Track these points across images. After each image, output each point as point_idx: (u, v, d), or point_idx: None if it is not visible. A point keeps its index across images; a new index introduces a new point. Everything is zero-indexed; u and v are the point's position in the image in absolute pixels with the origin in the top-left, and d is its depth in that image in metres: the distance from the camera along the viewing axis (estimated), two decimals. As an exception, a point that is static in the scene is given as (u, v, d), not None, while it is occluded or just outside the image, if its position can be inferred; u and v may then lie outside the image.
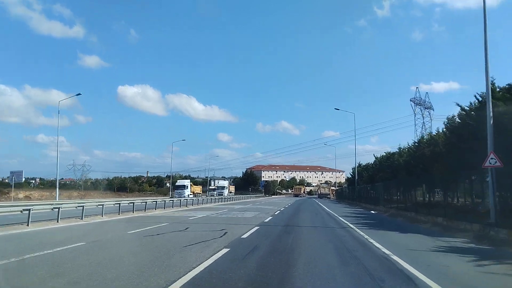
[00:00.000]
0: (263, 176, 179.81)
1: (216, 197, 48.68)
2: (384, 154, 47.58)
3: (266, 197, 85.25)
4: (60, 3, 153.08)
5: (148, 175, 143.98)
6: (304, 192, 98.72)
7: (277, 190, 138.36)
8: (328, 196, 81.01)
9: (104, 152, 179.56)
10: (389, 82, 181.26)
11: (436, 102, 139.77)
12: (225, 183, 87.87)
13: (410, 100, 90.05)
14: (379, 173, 45.20)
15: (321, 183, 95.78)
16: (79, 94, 41.57)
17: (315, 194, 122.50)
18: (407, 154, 36.65)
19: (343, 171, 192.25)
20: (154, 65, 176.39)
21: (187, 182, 69.72)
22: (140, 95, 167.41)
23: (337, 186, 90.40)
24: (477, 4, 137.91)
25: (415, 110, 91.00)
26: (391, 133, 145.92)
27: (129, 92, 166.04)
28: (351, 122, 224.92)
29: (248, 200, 57.94)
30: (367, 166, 61.64)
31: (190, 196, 60.48)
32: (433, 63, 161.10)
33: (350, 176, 73.63)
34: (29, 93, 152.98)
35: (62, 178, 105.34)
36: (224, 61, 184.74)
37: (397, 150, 43.80)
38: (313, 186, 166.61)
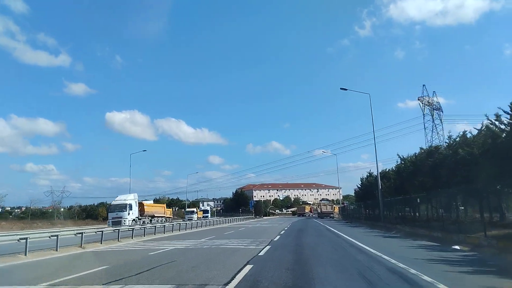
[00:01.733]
0: (254, 196, 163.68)
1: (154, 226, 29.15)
2: (422, 149, 31.28)
3: (255, 220, 67.58)
4: (44, 32, 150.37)
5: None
6: (311, 211, 79.58)
7: (270, 211, 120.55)
8: (331, 215, 63.87)
9: (95, 178, 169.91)
10: (375, 99, 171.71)
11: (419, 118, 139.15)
12: (128, 198, 42.65)
13: (418, 99, 75.74)
14: (416, 178, 28.78)
15: (320, 200, 78.22)
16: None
17: (298, 214, 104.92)
18: (484, 137, 20.36)
19: (340, 188, 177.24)
20: (141, 90, 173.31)
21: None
22: (128, 121, 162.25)
23: (340, 204, 73.41)
24: (456, 21, 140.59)
25: (423, 110, 76.24)
26: (384, 147, 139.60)
27: (117, 118, 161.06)
28: (342, 136, 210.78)
29: (223, 225, 40.58)
30: (384, 173, 45.15)
31: (144, 222, 41.64)
32: (417, 79, 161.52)
33: (358, 189, 56.97)
34: (16, 122, 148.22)
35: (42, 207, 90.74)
36: (211, 84, 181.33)
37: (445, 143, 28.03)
38: (309, 204, 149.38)
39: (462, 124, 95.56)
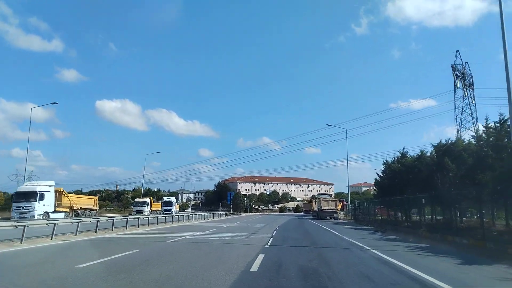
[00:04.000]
0: (239, 189, 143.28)
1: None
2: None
3: (224, 218, 46.61)
4: (37, 16, 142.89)
5: (118, 188, 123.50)
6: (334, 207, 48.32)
7: (254, 206, 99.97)
8: (334, 215, 43.43)
9: (82, 166, 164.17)
10: (369, 99, 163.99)
11: (416, 118, 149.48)
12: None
13: (452, 67, 56.06)
14: None
15: (318, 194, 56.43)
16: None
17: (304, 211, 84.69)
18: None
19: (333, 184, 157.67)
20: (133, 79, 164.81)
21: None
22: (119, 110, 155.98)
23: (348, 199, 52.90)
24: (453, 22, 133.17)
25: (456, 82, 56.41)
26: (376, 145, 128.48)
27: (108, 106, 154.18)
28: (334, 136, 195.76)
29: (151, 229, 19.67)
30: (444, 147, 24.62)
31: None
32: (411, 81, 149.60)
33: (381, 179, 36.57)
34: (4, 106, 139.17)
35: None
36: (203, 76, 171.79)
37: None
38: (298, 200, 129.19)
39: (496, 106, 75.27)
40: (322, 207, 43.89)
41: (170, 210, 59.38)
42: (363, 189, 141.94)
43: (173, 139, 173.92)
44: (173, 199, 65.45)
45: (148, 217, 24.48)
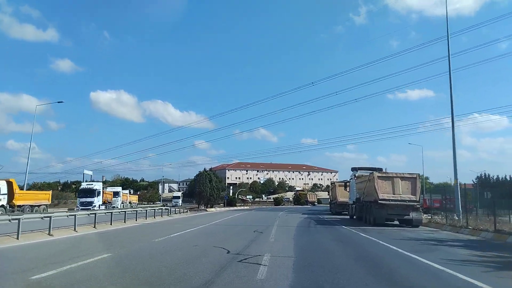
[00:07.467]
0: (228, 177, 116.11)
1: None
2: None
3: (169, 219, 18.38)
4: (29, 3, 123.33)
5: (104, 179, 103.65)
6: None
7: (240, 197, 72.44)
8: (413, 215, 16.01)
9: (78, 159, 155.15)
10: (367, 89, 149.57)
11: (411, 109, 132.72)
12: None
13: None
14: None
15: (359, 169, 25.93)
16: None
17: (309, 203, 57.70)
18: None
19: (336, 171, 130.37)
20: (129, 69, 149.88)
21: None
22: (115, 101, 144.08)
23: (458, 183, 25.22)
24: (454, 11, 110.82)
25: None
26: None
27: (104, 97, 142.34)
28: (328, 131, 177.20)
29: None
30: None
31: None
32: (408, 71, 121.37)
33: None
34: None
35: None
36: (200, 66, 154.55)
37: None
38: (297, 189, 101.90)
39: None
40: (380, 195, 16.16)
41: (91, 204, 32.17)
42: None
43: (169, 130, 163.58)
44: (97, 186, 37.25)
45: None
